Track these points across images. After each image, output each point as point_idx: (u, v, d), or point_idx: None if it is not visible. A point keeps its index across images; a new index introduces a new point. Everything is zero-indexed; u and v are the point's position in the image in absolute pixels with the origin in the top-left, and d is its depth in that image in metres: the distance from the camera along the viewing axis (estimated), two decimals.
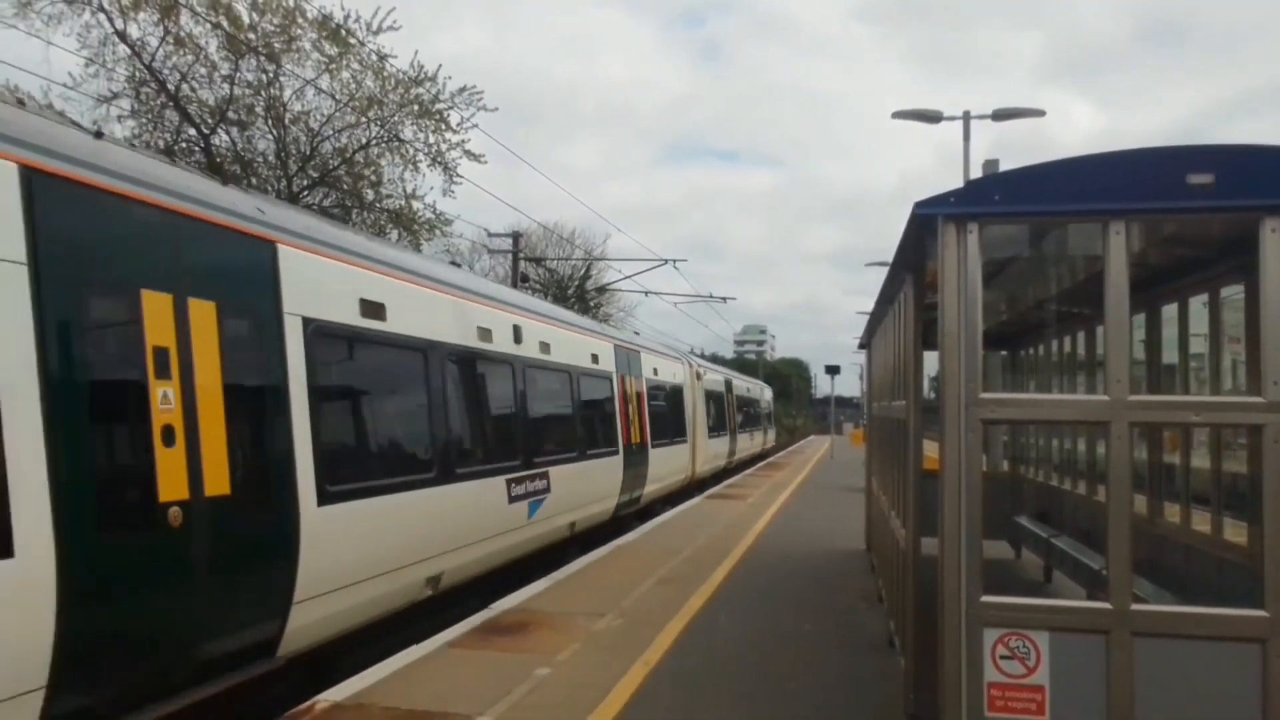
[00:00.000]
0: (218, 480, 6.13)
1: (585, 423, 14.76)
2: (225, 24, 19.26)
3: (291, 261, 7.22)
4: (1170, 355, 6.85)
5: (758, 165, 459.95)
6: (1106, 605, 4.26)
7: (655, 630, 8.49)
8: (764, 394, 47.60)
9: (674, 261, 32.54)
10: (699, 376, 26.07)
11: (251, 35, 19.66)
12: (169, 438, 5.74)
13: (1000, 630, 4.30)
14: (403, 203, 23.27)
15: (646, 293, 39.68)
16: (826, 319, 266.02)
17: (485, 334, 10.89)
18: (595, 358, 15.78)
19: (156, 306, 5.79)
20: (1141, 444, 6.90)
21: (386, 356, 8.74)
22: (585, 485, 14.38)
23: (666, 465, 20.48)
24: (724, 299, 40.66)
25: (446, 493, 9.45)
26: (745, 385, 39.99)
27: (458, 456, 9.90)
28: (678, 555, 12.82)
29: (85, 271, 5.39)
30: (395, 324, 8.64)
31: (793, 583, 11.01)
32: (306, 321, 7.30)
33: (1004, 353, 12.32)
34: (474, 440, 10.70)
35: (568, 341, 14.37)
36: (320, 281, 7.63)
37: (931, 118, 21.03)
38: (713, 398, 28.41)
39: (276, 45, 20.00)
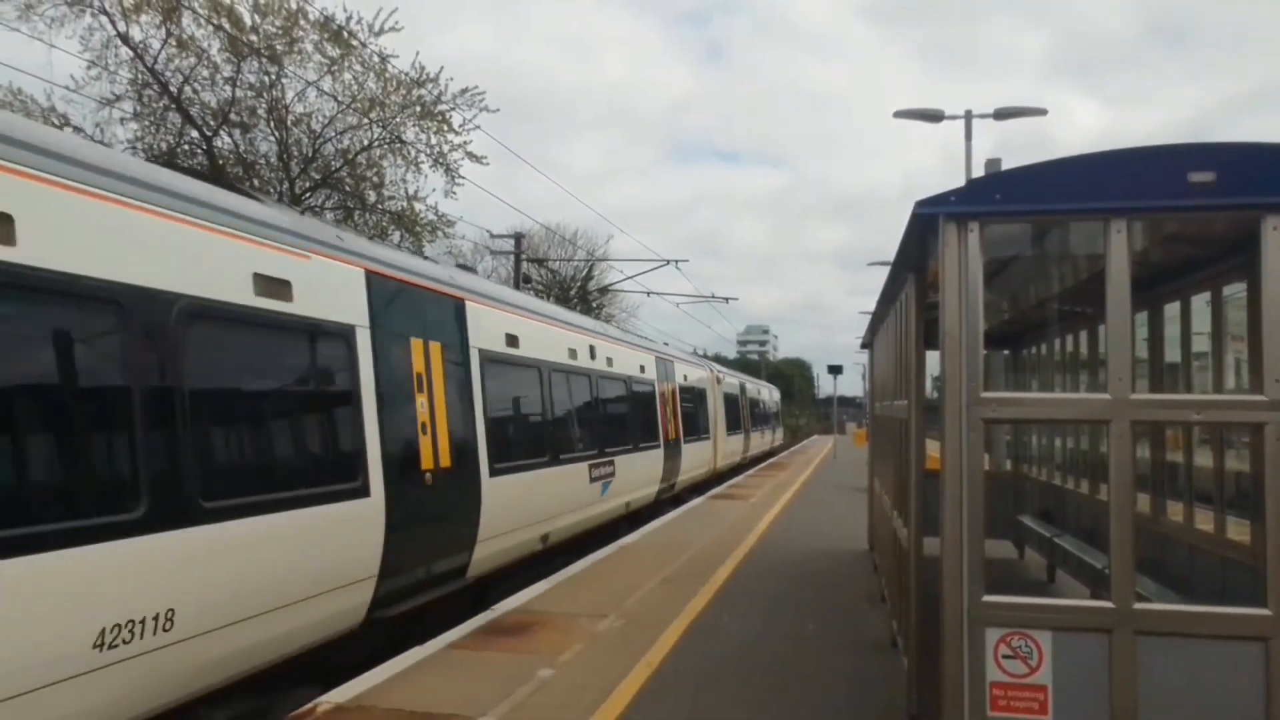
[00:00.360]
0: (445, 457, 9.28)
1: (637, 421, 17.79)
2: (227, 26, 19.30)
3: (472, 312, 10.55)
4: (1172, 354, 6.84)
5: (761, 165, 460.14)
6: (1109, 604, 4.25)
7: (658, 631, 8.49)
8: (773, 395, 50.72)
9: (676, 262, 32.62)
10: (719, 381, 28.93)
11: (253, 37, 19.70)
12: (424, 429, 8.94)
13: (1002, 630, 4.29)
14: (405, 204, 23.32)
15: (649, 293, 39.56)
16: (829, 319, 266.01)
17: (573, 353, 14.15)
18: (642, 368, 18.86)
19: (417, 346, 9.10)
20: (1144, 442, 6.89)
21: (519, 373, 11.95)
22: (638, 472, 17.37)
23: (695, 458, 23.33)
24: (726, 299, 40.68)
25: (555, 472, 12.69)
26: (756, 388, 42.57)
27: (561, 445, 13.09)
28: (680, 555, 12.82)
29: (389, 326, 8.50)
30: (524, 350, 12.00)
31: (795, 583, 11.00)
32: (480, 351, 10.58)
33: (1006, 352, 12.31)
34: (570, 433, 13.71)
35: (623, 355, 17.60)
36: (486, 323, 10.88)
37: (933, 117, 21.01)
38: (730, 400, 31.04)
39: (279, 47, 20.04)
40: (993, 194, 4.42)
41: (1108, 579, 4.51)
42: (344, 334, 7.72)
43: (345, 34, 20.31)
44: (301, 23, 20.02)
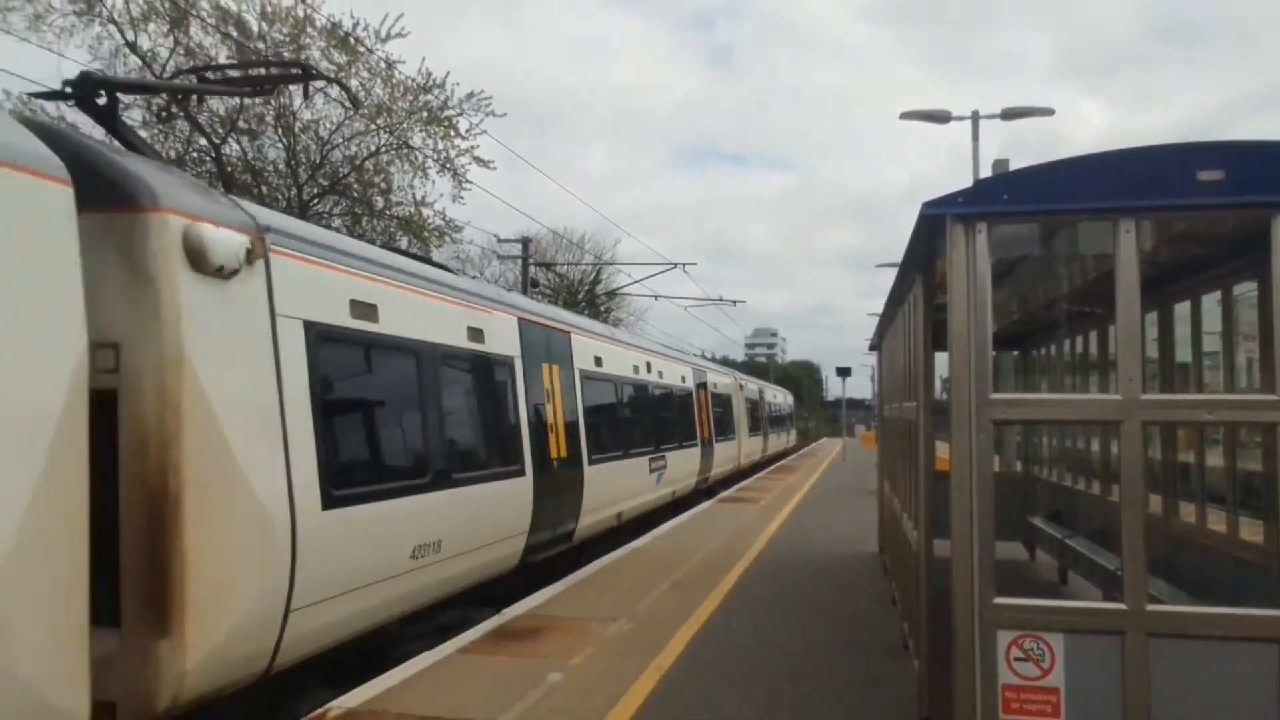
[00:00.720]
0: (563, 450, 12.43)
1: (680, 423, 21.03)
2: (235, 34, 19.39)
3: (574, 340, 13.91)
4: (1183, 353, 6.80)
5: (769, 168, 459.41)
6: (1121, 606, 4.23)
7: (668, 634, 8.47)
8: (788, 400, 55.31)
9: (684, 265, 32.64)
10: (741, 388, 31.96)
11: (261, 44, 19.77)
12: (551, 429, 12.09)
13: (1014, 632, 4.27)
14: (412, 210, 23.37)
15: (656, 296, 39.55)
16: (839, 321, 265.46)
17: (635, 369, 17.45)
18: (683, 378, 22.08)
19: (545, 369, 12.30)
20: (1155, 443, 6.86)
21: (603, 386, 15.14)
22: (682, 466, 20.47)
23: (724, 455, 26.65)
24: (734, 302, 40.67)
25: (627, 464, 15.77)
26: (774, 393, 46.55)
27: (630, 443, 16.18)
28: (690, 559, 12.81)
29: (530, 356, 11.64)
30: (605, 368, 15.31)
31: (805, 586, 10.97)
32: (580, 370, 13.84)
33: (1015, 353, 12.27)
34: (635, 433, 16.91)
35: (670, 368, 20.94)
36: (582, 349, 14.16)
37: (940, 118, 20.95)
38: (751, 404, 34.51)
39: (286, 54, 20.11)
40: (1000, 194, 4.41)
41: (1119, 580, 4.49)
42: (508, 363, 10.97)
43: (352, 40, 20.38)
44: (309, 30, 20.12)
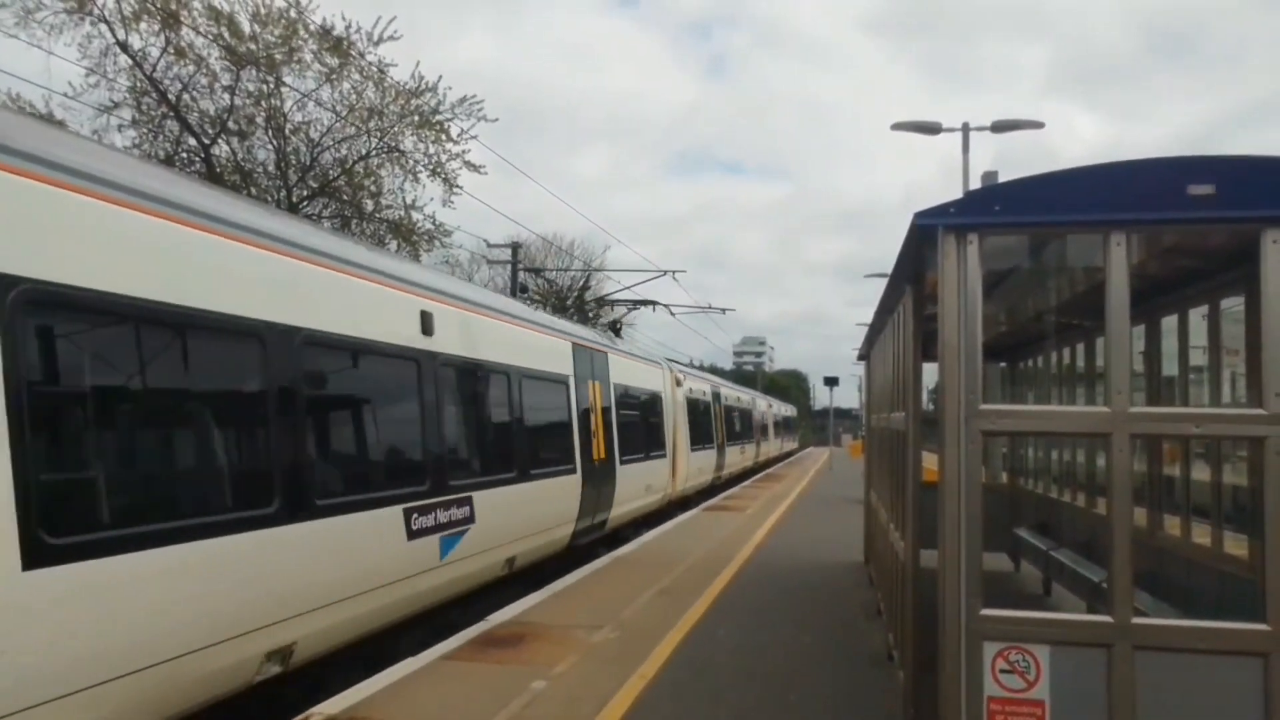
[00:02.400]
0: (602, 452, 15.16)
1: (700, 429, 26.23)
2: (226, 35, 19.30)
3: (611, 360, 16.73)
4: (1170, 367, 6.82)
5: (763, 177, 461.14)
6: (1108, 619, 4.22)
7: (653, 643, 8.44)
8: (793, 413, 72.52)
9: (673, 273, 32.72)
10: (753, 401, 42.64)
11: (253, 45, 19.70)
12: (594, 434, 14.74)
13: (1000, 644, 4.26)
14: (402, 213, 23.30)
15: (641, 304, 39.39)
16: (829, 330, 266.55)
17: (652, 380, 20.56)
18: (704, 392, 27.82)
19: (589, 384, 14.86)
20: (1141, 456, 6.87)
21: (629, 398, 17.90)
22: (699, 467, 25.94)
23: (737, 457, 34.08)
24: (723, 310, 40.63)
25: (649, 464, 18.98)
26: (782, 408, 64.12)
27: (652, 446, 19.43)
28: (676, 567, 12.78)
29: (583, 375, 14.50)
30: (632, 382, 18.25)
31: (791, 595, 10.96)
32: (614, 384, 16.52)
33: (1003, 364, 12.30)
34: (658, 438, 20.32)
35: (696, 384, 26.86)
36: (615, 366, 16.84)
37: (931, 129, 21.07)
38: (764, 415, 45.72)
39: (278, 56, 20.04)
40: (992, 205, 4.41)
41: (1105, 592, 4.49)
42: (565, 381, 13.74)
43: (345, 44, 20.33)
44: (301, 32, 20.05)
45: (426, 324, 9.05)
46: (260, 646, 6.29)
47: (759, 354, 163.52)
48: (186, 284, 5.86)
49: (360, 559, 7.50)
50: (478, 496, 9.75)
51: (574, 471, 13.51)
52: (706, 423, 27.75)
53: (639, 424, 18.60)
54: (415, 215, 23.33)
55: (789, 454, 62.82)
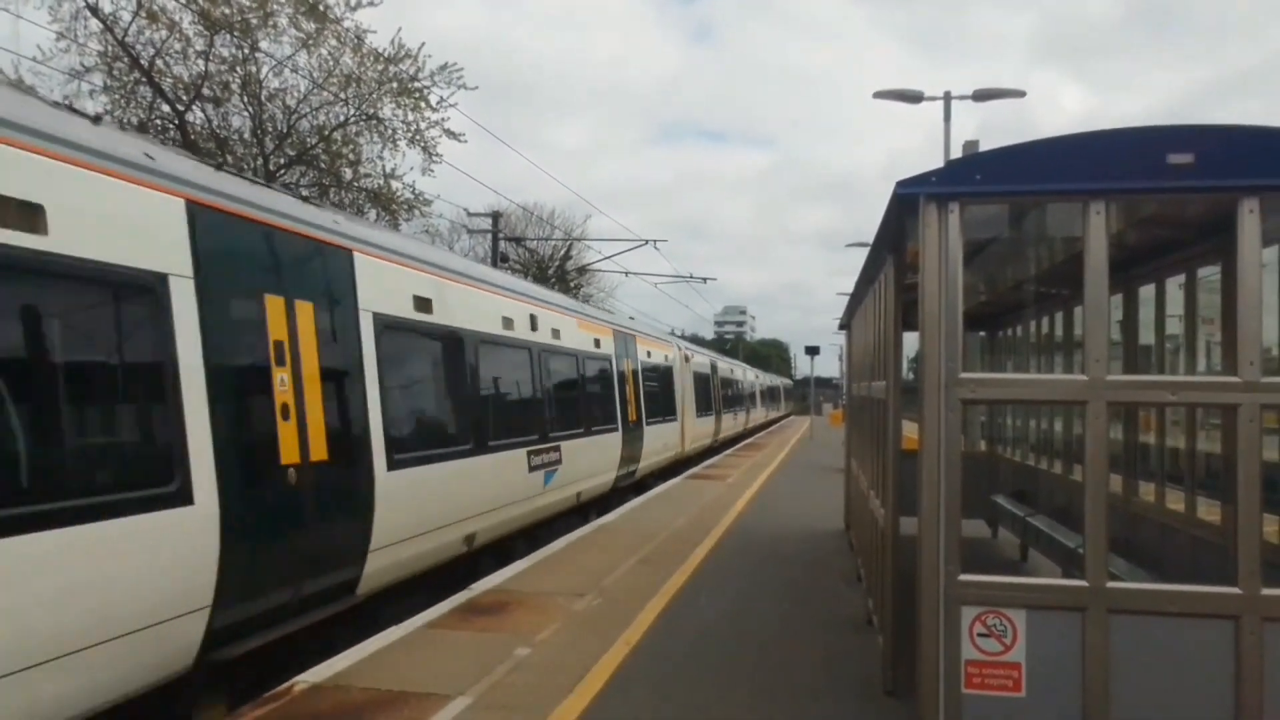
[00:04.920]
0: (634, 415, 18.98)
1: (701, 398, 29.36)
2: None
3: (639, 341, 20.63)
4: (1146, 336, 6.89)
5: (748, 146, 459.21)
6: (1083, 583, 4.30)
7: (636, 610, 8.52)
8: (778, 383, 79.19)
9: (654, 242, 32.86)
10: (756, 377, 52.80)
11: (227, 10, 19.35)
12: (628, 400, 18.53)
13: (978, 608, 4.33)
14: (381, 182, 23.07)
15: (626, 273, 39.32)
16: (811, 300, 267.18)
17: (666, 358, 23.70)
18: (714, 368, 33.02)
19: (627, 363, 19.08)
20: (1117, 424, 6.96)
21: (652, 372, 21.46)
22: (700, 429, 28.97)
23: (731, 422, 38.07)
24: (704, 280, 40.66)
25: (666, 426, 22.34)
26: (772, 379, 72.61)
27: (665, 411, 22.58)
28: (658, 536, 12.86)
29: (620, 354, 18.48)
30: (653, 359, 21.75)
31: (772, 562, 11.06)
32: (642, 363, 20.53)
33: (983, 334, 12.39)
34: (674, 404, 24.04)
35: (735, 368, 38.78)
36: (643, 347, 21.05)
37: (913, 98, 21.01)
38: (751, 385, 50.30)
39: (253, 20, 19.70)
40: (973, 174, 4.42)
41: (1080, 558, 4.56)
42: (609, 360, 17.31)
43: (321, 7, 19.99)
44: None
45: (532, 323, 13.16)
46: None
47: (740, 323, 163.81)
48: (477, 318, 11.02)
49: (507, 482, 11.44)
50: (564, 445, 13.71)
51: (616, 430, 17.29)
52: (707, 392, 31.05)
53: (658, 393, 22.31)
54: (394, 184, 23.13)
55: (775, 420, 67.73)
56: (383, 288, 8.73)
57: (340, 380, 7.85)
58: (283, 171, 21.84)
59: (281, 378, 6.97)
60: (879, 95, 21.26)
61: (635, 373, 19.73)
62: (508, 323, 12.08)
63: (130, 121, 19.44)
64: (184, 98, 20.22)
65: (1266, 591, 4.10)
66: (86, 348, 5.54)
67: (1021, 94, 20.63)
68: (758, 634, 7.81)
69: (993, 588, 4.39)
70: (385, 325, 8.63)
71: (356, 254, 8.35)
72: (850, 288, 10.42)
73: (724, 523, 14.25)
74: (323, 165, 22.64)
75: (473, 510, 10.32)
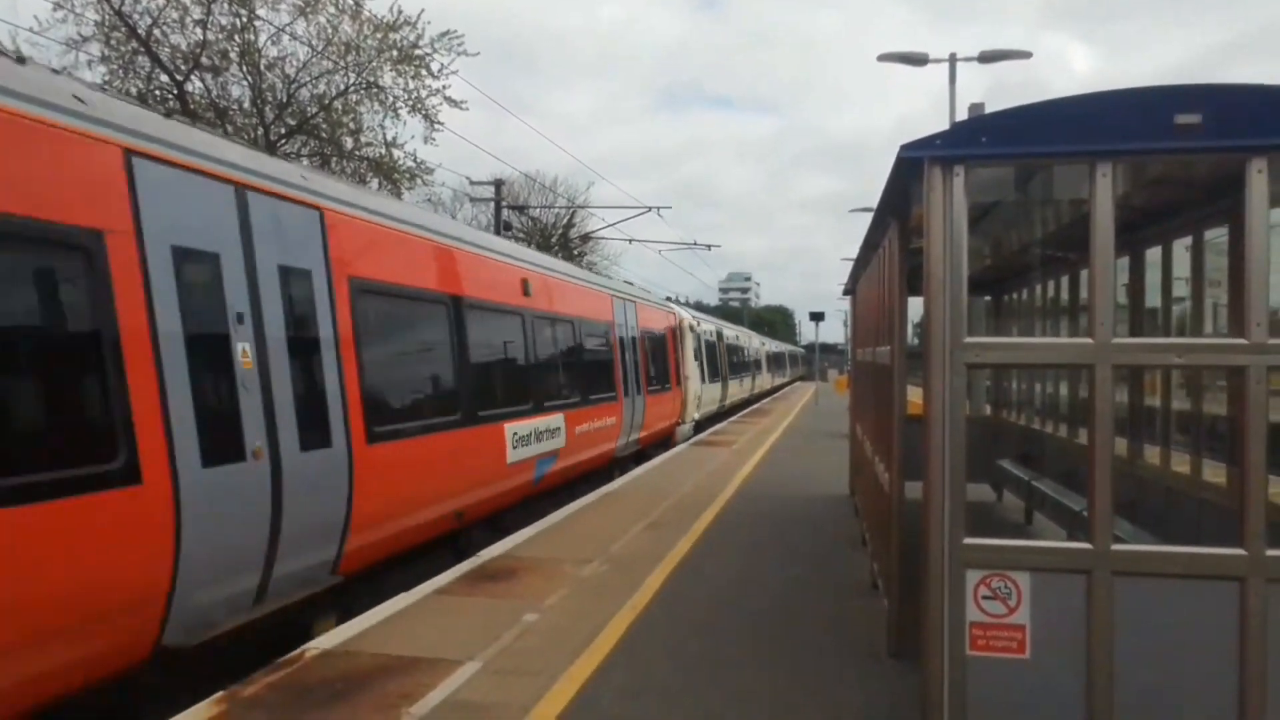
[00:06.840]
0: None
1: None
2: None
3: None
4: (1152, 299, 6.86)
5: (755, 111, 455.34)
6: (1087, 545, 4.31)
7: (642, 575, 8.58)
8: (796, 351, 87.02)
9: (658, 209, 32.54)
10: (763, 344, 54.46)
11: None
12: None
13: (982, 571, 4.35)
14: (383, 151, 22.95)
15: (630, 240, 39.17)
16: (816, 266, 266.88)
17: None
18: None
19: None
20: (1123, 387, 6.95)
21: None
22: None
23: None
24: (709, 246, 40.47)
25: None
26: (782, 348, 76.26)
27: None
28: (664, 502, 12.93)
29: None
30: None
31: (777, 527, 11.12)
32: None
33: (988, 298, 12.35)
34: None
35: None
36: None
37: (917, 60, 20.79)
38: (769, 354, 56.05)
39: None
40: (978, 137, 4.37)
41: (1085, 521, 4.57)
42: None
43: None
44: None
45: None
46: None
47: (745, 290, 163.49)
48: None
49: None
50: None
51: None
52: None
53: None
54: (396, 153, 23.02)
55: (781, 386, 67.79)
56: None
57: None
58: (283, 141, 21.73)
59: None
60: (883, 58, 21.05)
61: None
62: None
63: (129, 91, 19.33)
64: (182, 67, 20.09)
65: (1272, 553, 4.10)
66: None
67: (1028, 55, 20.38)
68: (764, 599, 7.86)
69: (997, 551, 4.40)
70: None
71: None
72: (854, 253, 10.37)
73: (730, 488, 14.31)
74: (324, 135, 22.52)
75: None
